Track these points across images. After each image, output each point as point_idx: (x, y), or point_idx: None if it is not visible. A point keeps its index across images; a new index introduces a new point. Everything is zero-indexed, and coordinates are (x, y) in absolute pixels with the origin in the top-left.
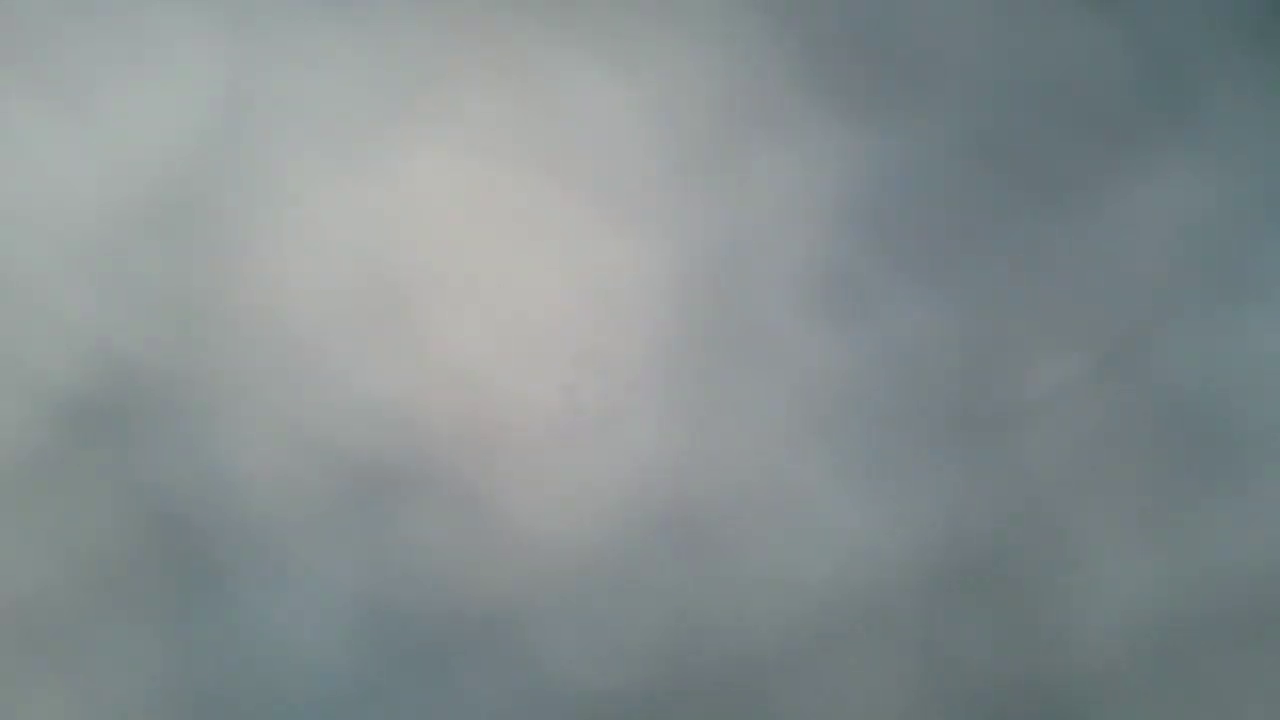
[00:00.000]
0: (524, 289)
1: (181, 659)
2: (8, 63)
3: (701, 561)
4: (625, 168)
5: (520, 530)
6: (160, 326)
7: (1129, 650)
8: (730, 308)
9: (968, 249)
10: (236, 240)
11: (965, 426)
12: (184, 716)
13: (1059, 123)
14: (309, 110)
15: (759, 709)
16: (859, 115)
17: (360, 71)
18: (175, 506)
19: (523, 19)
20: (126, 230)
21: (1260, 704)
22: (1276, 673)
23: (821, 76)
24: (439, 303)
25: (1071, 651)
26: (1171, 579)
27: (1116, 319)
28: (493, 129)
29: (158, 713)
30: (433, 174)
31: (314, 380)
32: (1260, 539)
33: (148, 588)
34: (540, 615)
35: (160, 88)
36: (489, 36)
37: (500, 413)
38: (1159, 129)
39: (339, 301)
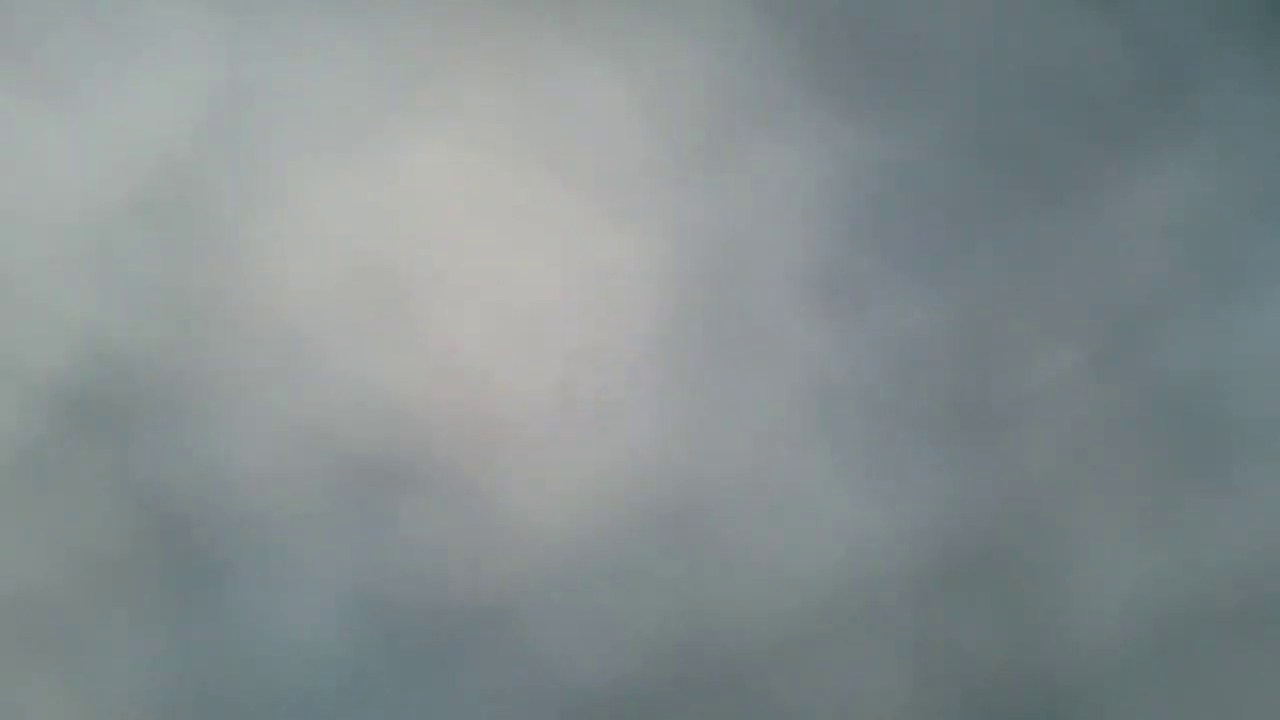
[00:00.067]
0: (523, 284)
1: (180, 655)
2: (3, 57)
3: (699, 555)
4: (624, 163)
5: (519, 525)
6: (158, 322)
7: (1125, 642)
8: (728, 302)
9: (965, 245)
10: (234, 235)
11: (962, 421)
12: (183, 712)
13: (1057, 120)
14: (308, 104)
15: (756, 701)
16: (857, 111)
17: (359, 65)
18: (174, 503)
19: (522, 13)
20: (124, 226)
21: (1256, 697)
22: (1271, 665)
23: (820, 73)
24: (437, 297)
25: (1067, 644)
26: (1168, 573)
27: (1113, 315)
28: (492, 124)
29: (156, 708)
30: (432, 169)
31: (313, 376)
32: (1256, 533)
33: (146, 584)
34: (539, 609)
35: (158, 82)
36: (488, 31)
37: (499, 407)
38: (1156, 126)
39: (337, 296)
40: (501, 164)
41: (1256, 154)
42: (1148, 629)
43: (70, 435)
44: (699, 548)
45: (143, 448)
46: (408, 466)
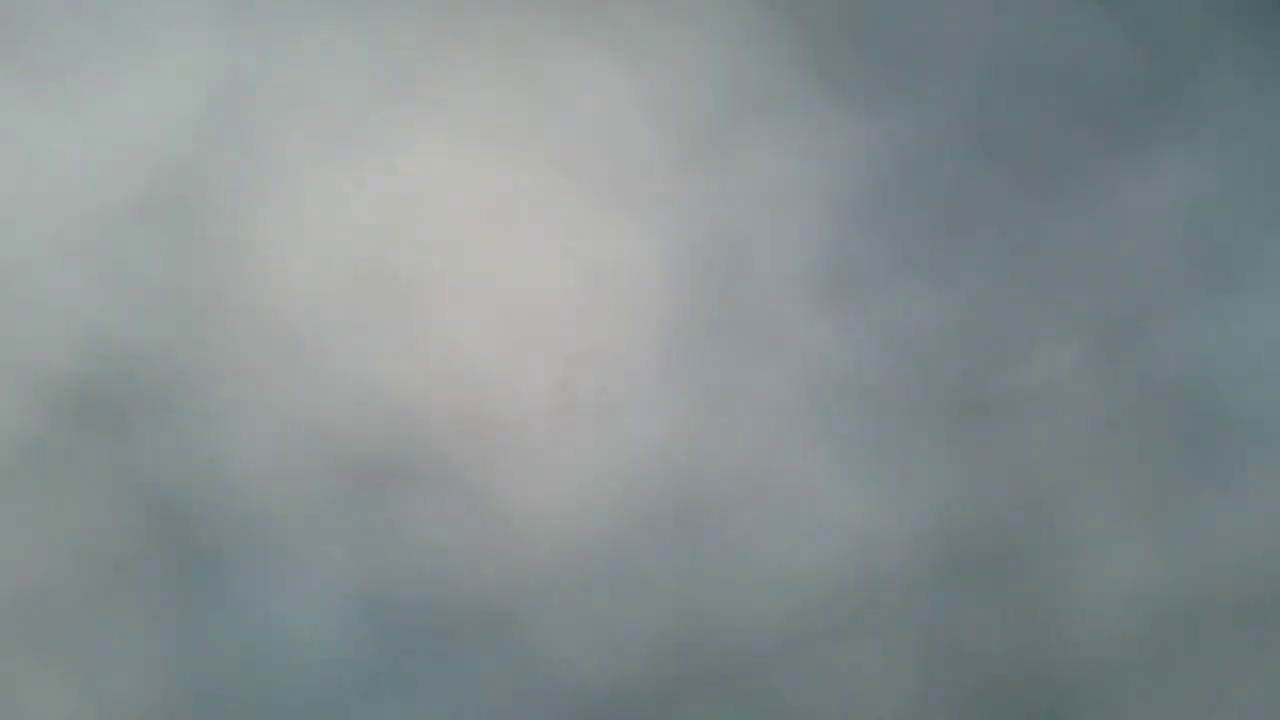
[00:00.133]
0: (524, 282)
1: (180, 653)
2: (4, 55)
3: (702, 553)
4: (626, 156)
5: (519, 525)
6: (158, 320)
7: (1128, 639)
8: (731, 297)
9: (969, 238)
10: (234, 230)
11: (966, 414)
12: (183, 710)
13: (1059, 113)
14: (307, 99)
15: (757, 701)
16: (861, 105)
17: (360, 63)
18: (174, 501)
19: (523, 6)
20: (123, 222)
21: (1258, 689)
22: (1273, 662)
23: (823, 67)
24: (438, 294)
25: (1070, 640)
26: (1170, 565)
27: (1116, 307)
28: (493, 120)
29: (157, 705)
30: (432, 163)
31: (313, 373)
32: (1258, 525)
33: (147, 581)
34: (540, 607)
35: (157, 77)
36: (489, 26)
37: (500, 405)
38: (1157, 119)
39: (337, 292)
40: (503, 160)
41: (1258, 149)
42: (1151, 625)
43: (71, 433)
44: (700, 548)
45: (143, 446)
46: (408, 466)
